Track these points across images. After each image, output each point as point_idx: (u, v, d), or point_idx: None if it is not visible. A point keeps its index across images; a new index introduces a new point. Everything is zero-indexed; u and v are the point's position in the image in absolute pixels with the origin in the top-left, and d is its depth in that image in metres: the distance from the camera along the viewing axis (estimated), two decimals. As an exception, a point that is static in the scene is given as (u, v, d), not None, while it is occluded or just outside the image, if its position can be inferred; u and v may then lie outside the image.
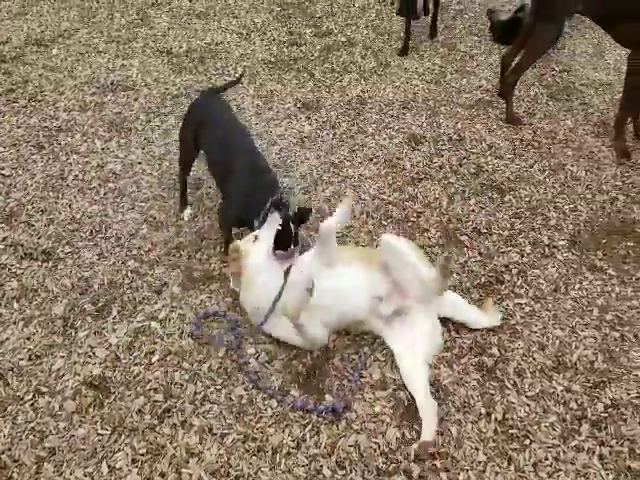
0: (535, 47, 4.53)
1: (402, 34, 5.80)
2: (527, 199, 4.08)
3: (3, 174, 4.17)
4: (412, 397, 2.86)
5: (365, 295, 3.08)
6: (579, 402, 2.88)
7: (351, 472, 2.62)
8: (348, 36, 6.05)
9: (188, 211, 3.91)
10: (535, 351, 3.11)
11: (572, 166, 4.37)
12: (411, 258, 3.07)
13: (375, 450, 2.69)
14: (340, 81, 5.36)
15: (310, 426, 2.77)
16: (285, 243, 3.17)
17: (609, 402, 2.88)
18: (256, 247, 3.17)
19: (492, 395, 2.91)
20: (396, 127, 4.79)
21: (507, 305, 3.33)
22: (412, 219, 3.91)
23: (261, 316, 3.07)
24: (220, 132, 3.58)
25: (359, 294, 3.09)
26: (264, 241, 3.16)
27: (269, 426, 2.77)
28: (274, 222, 3.15)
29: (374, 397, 2.90)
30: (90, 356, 3.04)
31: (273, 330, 3.11)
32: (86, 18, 6.20)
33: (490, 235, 3.78)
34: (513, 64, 4.76)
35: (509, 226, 3.86)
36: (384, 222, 3.89)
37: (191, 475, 2.58)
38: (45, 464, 2.59)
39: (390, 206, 4.01)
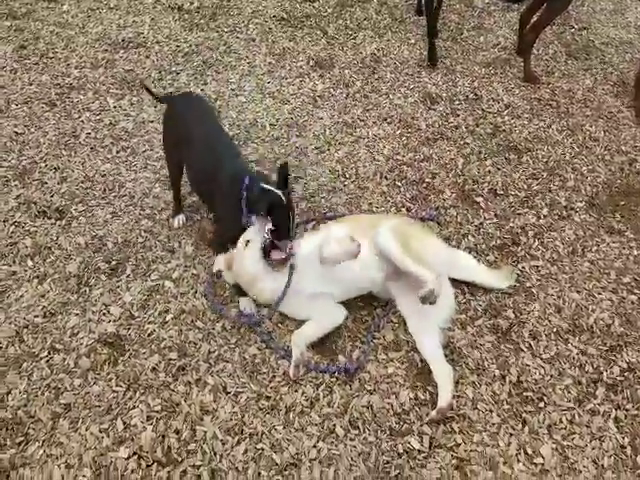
0: (554, 4, 4.41)
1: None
2: (544, 160, 4.02)
3: (16, 131, 4.13)
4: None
5: (378, 271, 3.03)
6: (595, 365, 2.86)
7: (364, 432, 2.63)
8: None
9: (181, 217, 3.56)
10: (551, 314, 3.09)
11: (590, 126, 4.29)
12: (405, 263, 2.91)
13: (388, 411, 2.70)
14: (354, 38, 5.26)
15: (323, 386, 2.78)
16: (282, 231, 2.93)
17: (625, 366, 2.86)
18: (250, 253, 2.98)
19: (507, 357, 2.90)
20: (411, 86, 4.71)
21: (523, 267, 3.30)
22: (427, 180, 3.86)
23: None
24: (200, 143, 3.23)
25: (372, 271, 3.02)
26: (256, 246, 2.98)
27: (282, 385, 2.78)
28: (263, 224, 2.92)
29: (387, 358, 2.90)
30: (104, 314, 3.04)
31: (288, 310, 3.08)
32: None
33: (506, 196, 3.74)
34: (532, 21, 4.65)
35: (526, 187, 3.81)
36: (398, 183, 3.84)
37: (205, 432, 2.60)
38: (60, 420, 2.61)
39: (404, 167, 3.96)
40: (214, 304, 3.09)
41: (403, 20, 5.50)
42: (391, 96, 4.59)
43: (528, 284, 3.22)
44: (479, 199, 3.71)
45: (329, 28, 5.38)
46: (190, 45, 5.09)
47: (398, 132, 4.26)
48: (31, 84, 4.59)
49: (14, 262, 3.28)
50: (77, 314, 3.04)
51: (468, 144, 4.14)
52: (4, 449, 2.51)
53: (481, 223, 3.55)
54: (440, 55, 5.01)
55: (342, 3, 5.72)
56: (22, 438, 2.54)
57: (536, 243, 3.45)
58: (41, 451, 2.51)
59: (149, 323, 3.02)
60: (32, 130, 4.16)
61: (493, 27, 5.41)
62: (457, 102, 4.52)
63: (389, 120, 4.37)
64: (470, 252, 3.33)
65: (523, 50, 4.72)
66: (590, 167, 3.95)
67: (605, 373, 2.83)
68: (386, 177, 3.89)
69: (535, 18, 4.60)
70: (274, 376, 2.81)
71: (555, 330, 3.01)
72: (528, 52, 4.67)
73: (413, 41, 5.23)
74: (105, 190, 3.74)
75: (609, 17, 5.59)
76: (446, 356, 2.85)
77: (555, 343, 2.96)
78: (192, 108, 3.39)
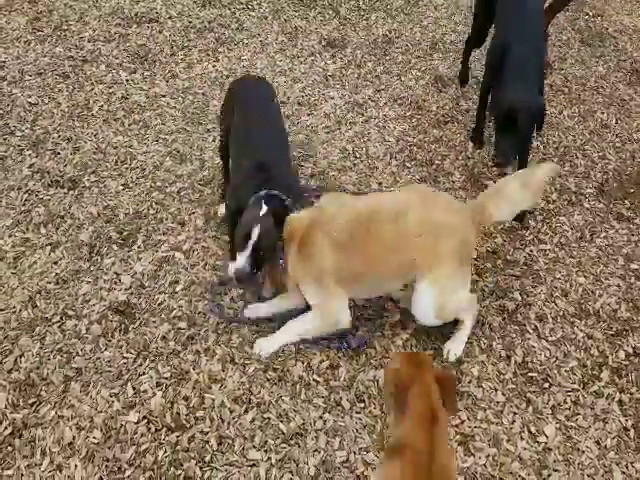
0: None
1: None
2: (555, 145, 4.03)
3: (30, 102, 4.14)
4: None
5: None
6: (600, 349, 2.90)
7: (370, 405, 2.67)
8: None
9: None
10: (557, 297, 3.12)
11: (602, 113, 4.30)
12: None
13: (395, 385, 2.73)
14: (366, 19, 5.25)
15: (330, 360, 2.81)
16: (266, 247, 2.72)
17: (631, 350, 2.90)
18: None
19: (512, 338, 2.93)
20: (422, 68, 4.72)
21: (531, 251, 3.33)
22: (436, 162, 3.88)
23: None
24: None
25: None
26: None
27: (290, 359, 2.81)
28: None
29: (393, 333, 2.93)
30: (116, 282, 3.08)
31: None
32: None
33: (516, 180, 3.75)
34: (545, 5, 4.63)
35: (535, 172, 3.82)
36: (407, 164, 3.86)
37: (214, 400, 2.64)
38: (72, 383, 2.65)
39: (414, 148, 3.98)
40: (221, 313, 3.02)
41: (416, 2, 5.48)
42: (402, 78, 4.59)
43: (535, 267, 3.25)
44: (488, 182, 3.72)
45: (341, 8, 5.36)
46: (203, 22, 5.08)
47: (409, 114, 4.27)
48: (45, 55, 4.59)
49: (27, 229, 3.31)
50: (89, 282, 3.07)
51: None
52: (17, 409, 2.55)
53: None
54: (452, 39, 5.01)
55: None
56: (34, 399, 2.59)
57: (545, 227, 3.47)
58: (53, 412, 2.55)
59: (159, 293, 3.05)
60: (45, 101, 4.17)
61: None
62: (468, 86, 4.52)
63: (400, 101, 4.38)
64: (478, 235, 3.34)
65: None
66: (601, 154, 3.97)
67: (610, 357, 2.86)
68: (396, 157, 3.91)
69: (549, 2, 4.59)
70: (282, 350, 2.85)
71: (561, 313, 3.04)
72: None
73: (425, 23, 5.22)
74: (117, 162, 3.76)
75: (623, 4, 5.57)
76: (452, 333, 2.89)
77: (561, 326, 2.99)
78: (251, 92, 3.33)
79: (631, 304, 3.09)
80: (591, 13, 5.37)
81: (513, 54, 3.45)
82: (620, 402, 2.71)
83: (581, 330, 2.97)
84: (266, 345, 2.85)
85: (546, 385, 2.76)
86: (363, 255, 2.69)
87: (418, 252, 2.66)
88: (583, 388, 2.76)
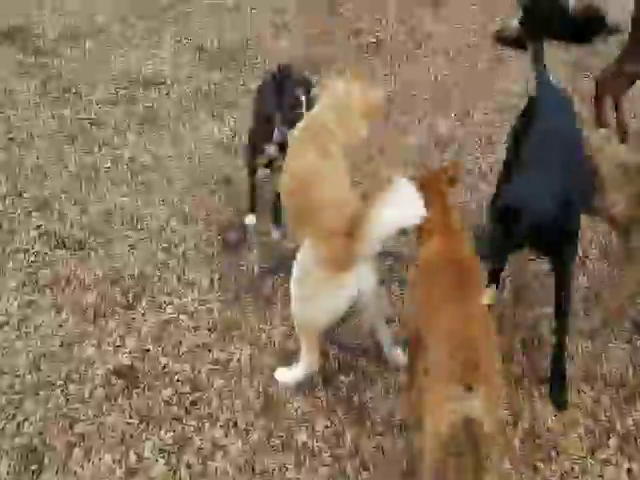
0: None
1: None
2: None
3: (38, 164, 4.22)
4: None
5: None
6: (608, 415, 2.86)
7: (375, 473, 2.63)
8: (377, 37, 6.03)
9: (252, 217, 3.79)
10: (563, 361, 3.09)
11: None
12: None
13: (399, 453, 2.69)
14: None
15: (335, 425, 2.78)
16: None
17: (638, 417, 2.85)
18: None
19: (519, 404, 2.89)
20: (423, 125, 4.76)
21: (537, 313, 3.31)
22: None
23: None
24: None
25: None
26: None
27: (294, 425, 2.78)
28: None
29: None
30: (120, 346, 3.08)
31: None
32: (119, 13, 6.23)
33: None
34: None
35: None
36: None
37: (217, 468, 2.61)
38: (75, 449, 2.63)
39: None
40: None
41: (419, 45, 5.60)
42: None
43: (542, 330, 3.23)
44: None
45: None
46: (209, 85, 5.20)
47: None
48: (53, 118, 4.70)
49: (33, 291, 3.34)
50: (93, 345, 3.08)
51: (481, 190, 4.17)
52: (19, 476, 2.53)
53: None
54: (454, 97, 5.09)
55: (360, 46, 5.84)
56: (36, 466, 2.56)
57: (549, 289, 3.46)
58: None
59: (163, 356, 3.05)
60: (53, 163, 4.24)
61: (507, 73, 5.47)
62: (470, 145, 4.56)
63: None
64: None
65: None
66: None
67: (618, 423, 2.83)
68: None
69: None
70: (285, 417, 2.81)
71: (568, 378, 3.01)
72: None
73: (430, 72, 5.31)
74: (123, 223, 3.80)
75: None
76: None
77: (568, 391, 2.96)
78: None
79: (638, 368, 3.06)
80: (591, 75, 5.44)
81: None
82: (628, 471, 2.66)
83: (588, 395, 2.94)
84: None
85: (553, 453, 2.72)
86: None
87: None
88: (591, 456, 2.72)
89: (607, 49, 4.90)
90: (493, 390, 2.21)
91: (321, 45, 5.76)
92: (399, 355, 3.01)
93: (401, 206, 2.55)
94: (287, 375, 2.91)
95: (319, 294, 2.67)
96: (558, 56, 5.03)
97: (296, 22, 6.16)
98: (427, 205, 2.53)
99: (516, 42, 5.81)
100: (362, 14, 6.27)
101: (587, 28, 5.53)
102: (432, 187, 2.65)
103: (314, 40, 5.82)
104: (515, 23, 5.92)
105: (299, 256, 2.76)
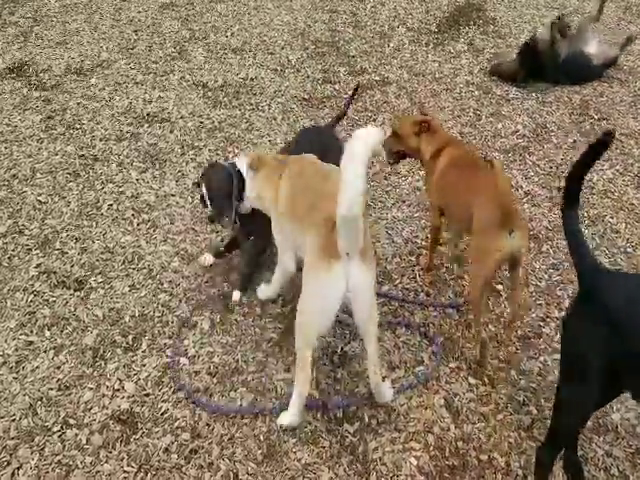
0: None
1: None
2: (565, 250, 3.95)
3: (40, 200, 4.19)
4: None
5: None
6: (621, 468, 2.77)
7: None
8: (382, 75, 6.06)
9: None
10: (573, 409, 3.01)
11: (611, 218, 4.28)
12: None
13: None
14: (373, 120, 5.35)
15: (338, 478, 2.70)
16: None
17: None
18: None
19: (529, 456, 2.81)
20: (430, 170, 4.75)
21: (545, 360, 3.24)
22: (446, 265, 3.85)
23: None
24: None
25: None
26: None
27: (297, 476, 2.70)
28: None
29: (404, 447, 2.82)
30: (119, 390, 3.00)
31: None
32: (125, 49, 6.27)
33: (526, 286, 3.71)
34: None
35: (547, 277, 3.77)
36: (417, 268, 3.83)
37: (217, 521, 2.52)
38: (70, 500, 2.54)
39: (424, 250, 3.95)
40: None
41: (422, 105, 5.60)
42: (410, 178, 4.63)
43: (550, 378, 3.15)
44: (499, 287, 3.68)
45: (349, 110, 5.47)
46: (213, 121, 5.20)
47: (417, 215, 4.27)
48: (56, 154, 4.68)
49: (31, 332, 3.27)
50: (91, 388, 3.00)
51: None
52: (11, 531, 2.44)
53: (502, 312, 3.52)
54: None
55: (362, 85, 5.85)
56: (30, 519, 2.47)
57: (558, 335, 3.40)
58: (48, 535, 2.43)
59: (163, 401, 2.97)
60: (55, 200, 4.21)
61: (511, 114, 5.49)
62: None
63: (408, 202, 4.39)
64: (490, 341, 3.28)
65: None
66: (612, 259, 3.93)
67: (632, 477, 2.74)
68: (404, 259, 3.89)
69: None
70: (288, 468, 2.73)
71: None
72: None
73: (432, 126, 5.30)
74: (124, 262, 3.75)
75: (628, 108, 5.65)
76: (464, 449, 2.78)
77: (579, 443, 2.87)
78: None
79: (650, 418, 2.99)
80: (596, 117, 5.44)
81: None
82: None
83: (600, 447, 2.85)
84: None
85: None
86: None
87: None
88: (606, 512, 2.63)
89: None
90: (525, 231, 3.10)
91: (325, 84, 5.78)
92: (387, 390, 2.97)
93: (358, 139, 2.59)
94: (287, 416, 2.84)
95: (310, 283, 2.77)
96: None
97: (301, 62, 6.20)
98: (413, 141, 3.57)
99: (511, 76, 6.02)
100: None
101: (577, 73, 5.86)
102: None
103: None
104: (512, 57, 6.09)
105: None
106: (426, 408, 2.99)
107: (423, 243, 4.00)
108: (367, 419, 2.93)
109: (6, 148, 4.73)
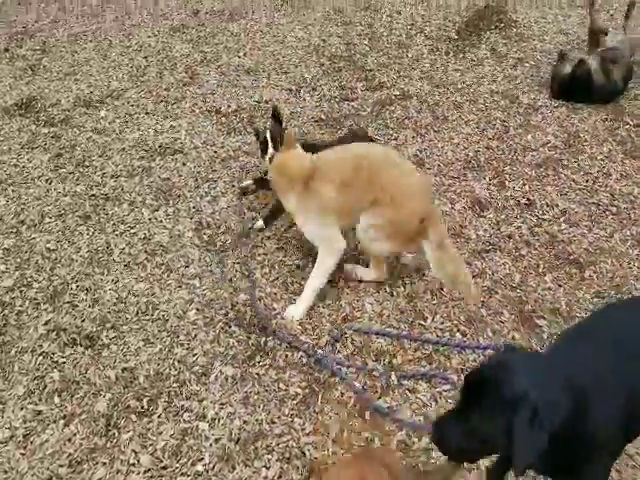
0: None
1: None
2: (610, 275, 3.68)
3: (48, 248, 3.98)
4: None
5: None
6: None
7: None
8: (402, 89, 5.78)
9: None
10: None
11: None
12: None
13: None
14: (395, 139, 5.08)
15: None
16: None
17: None
18: None
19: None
20: (458, 190, 4.47)
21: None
22: (482, 299, 3.56)
23: None
24: None
25: None
26: None
27: None
28: None
29: None
30: (134, 464, 2.76)
31: None
32: (135, 77, 6.07)
33: (571, 318, 3.41)
34: None
35: (592, 307, 3.47)
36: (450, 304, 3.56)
37: None
38: None
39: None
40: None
41: (445, 118, 5.32)
42: (437, 201, 4.35)
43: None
44: (541, 322, 3.39)
45: (369, 128, 5.22)
46: (227, 150, 4.97)
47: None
48: (66, 195, 4.48)
49: (40, 400, 3.05)
50: (104, 463, 2.77)
51: (524, 256, 3.84)
52: None
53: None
54: (486, 156, 4.79)
55: (381, 102, 5.59)
56: None
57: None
58: None
59: (181, 475, 2.73)
60: (65, 246, 4.00)
61: (541, 124, 5.18)
62: (509, 208, 4.26)
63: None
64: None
65: None
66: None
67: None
68: (435, 295, 3.61)
69: None
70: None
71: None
72: None
73: (457, 140, 5.03)
74: (138, 313, 3.53)
75: (664, 111, 5.31)
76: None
77: None
78: None
79: None
80: (632, 122, 5.10)
81: None
82: None
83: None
84: (295, 310, 3.43)
85: None
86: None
87: None
88: None
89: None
90: None
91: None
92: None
93: None
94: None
95: None
96: None
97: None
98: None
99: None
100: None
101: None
102: None
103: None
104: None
105: None
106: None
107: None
108: None
109: (14, 191, 4.54)
